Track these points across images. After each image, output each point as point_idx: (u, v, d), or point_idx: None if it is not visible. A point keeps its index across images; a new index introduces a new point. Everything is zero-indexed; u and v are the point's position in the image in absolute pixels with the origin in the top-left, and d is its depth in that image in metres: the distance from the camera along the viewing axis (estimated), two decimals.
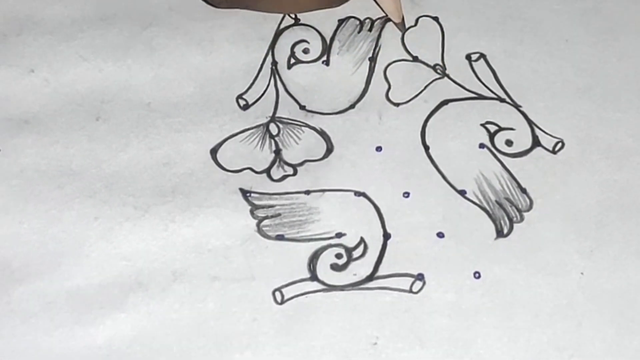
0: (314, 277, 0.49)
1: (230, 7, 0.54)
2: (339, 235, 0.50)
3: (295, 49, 0.56)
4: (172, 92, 0.54)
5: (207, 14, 0.56)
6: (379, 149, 0.53)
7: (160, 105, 0.54)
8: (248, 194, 0.51)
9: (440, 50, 0.56)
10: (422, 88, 0.55)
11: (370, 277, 0.49)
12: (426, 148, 0.53)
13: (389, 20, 0.57)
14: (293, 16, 0.57)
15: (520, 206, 0.51)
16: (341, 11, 0.57)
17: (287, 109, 0.54)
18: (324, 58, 0.56)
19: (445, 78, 0.55)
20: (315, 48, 0.56)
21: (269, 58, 0.56)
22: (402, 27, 0.56)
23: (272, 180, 0.52)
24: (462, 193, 0.52)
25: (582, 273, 0.49)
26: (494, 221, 0.51)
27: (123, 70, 0.55)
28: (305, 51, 0.56)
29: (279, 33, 0.56)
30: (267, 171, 0.52)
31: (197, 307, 0.48)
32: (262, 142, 0.53)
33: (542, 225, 0.51)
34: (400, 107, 0.54)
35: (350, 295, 0.49)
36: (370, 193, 0.51)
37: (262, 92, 0.54)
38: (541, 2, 0.58)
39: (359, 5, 0.57)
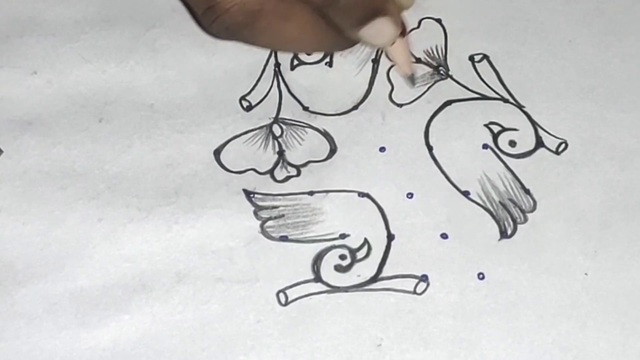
0: (317, 279, 0.49)
1: (228, 39, 0.53)
2: (343, 236, 0.50)
3: None
4: (175, 94, 0.54)
5: None
6: (382, 149, 0.53)
7: (163, 107, 0.54)
8: (251, 195, 0.51)
9: (444, 52, 0.56)
10: (426, 89, 0.55)
11: (374, 279, 0.49)
12: (430, 148, 0.53)
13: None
14: None
15: (523, 207, 0.51)
16: None
17: (290, 110, 0.54)
18: (327, 59, 0.56)
19: (449, 79, 0.55)
20: None
21: (272, 59, 0.55)
22: (412, 82, 0.55)
23: (276, 181, 0.52)
24: (466, 194, 0.52)
25: (586, 274, 0.49)
26: (497, 222, 0.51)
27: (126, 72, 0.55)
28: (309, 53, 0.56)
29: None
30: (271, 172, 0.52)
31: (201, 308, 0.48)
32: (265, 143, 0.53)
33: (546, 226, 0.51)
34: (404, 107, 0.54)
35: (354, 296, 0.48)
36: (374, 194, 0.51)
37: (265, 94, 0.54)
38: (544, 3, 0.58)
39: None
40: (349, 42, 0.53)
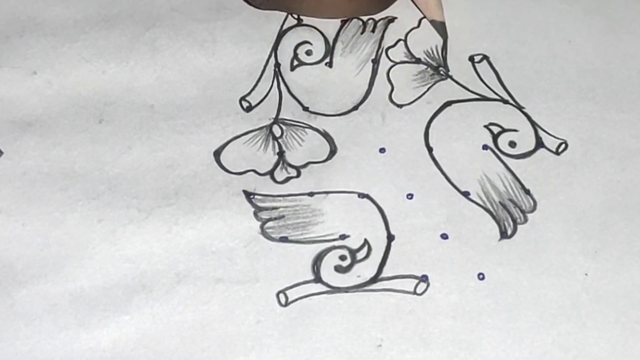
0: (318, 279, 0.49)
1: (271, 8, 0.54)
2: (343, 237, 0.50)
3: (298, 51, 0.56)
4: (175, 94, 0.54)
5: (209, 14, 0.56)
6: (382, 150, 0.53)
7: (163, 107, 0.54)
8: (251, 196, 0.51)
9: (444, 52, 0.56)
10: (426, 89, 0.55)
11: (374, 279, 0.49)
12: (429, 149, 0.53)
13: (392, 21, 0.56)
14: (296, 16, 0.57)
15: (523, 207, 0.51)
16: None
17: (290, 111, 0.54)
18: (327, 60, 0.56)
19: (449, 79, 0.55)
20: (318, 50, 0.56)
21: (272, 60, 0.55)
22: (443, 29, 0.55)
23: (276, 182, 0.52)
24: (466, 194, 0.51)
25: (586, 274, 0.49)
26: (497, 222, 0.51)
27: (126, 72, 0.55)
28: (308, 53, 0.56)
29: (281, 34, 0.56)
30: (271, 173, 0.52)
31: (201, 309, 0.48)
32: (265, 144, 0.53)
33: (546, 227, 0.51)
34: (404, 108, 0.54)
35: (355, 297, 0.48)
36: (374, 194, 0.51)
37: (265, 94, 0.54)
38: (544, 3, 0.58)
39: None
40: (384, 3, 0.55)
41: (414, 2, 0.56)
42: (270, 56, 0.55)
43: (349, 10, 0.55)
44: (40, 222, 0.50)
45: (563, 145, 0.53)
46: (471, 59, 0.56)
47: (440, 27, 0.55)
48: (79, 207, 0.51)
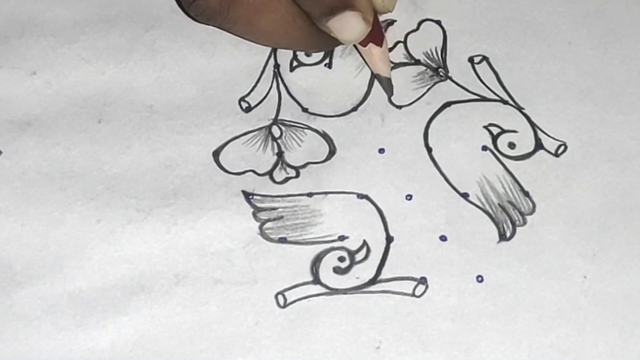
0: (316, 281, 0.49)
1: (205, 23, 0.54)
2: (342, 238, 0.50)
3: (298, 52, 0.56)
4: (175, 95, 0.54)
5: None
6: (381, 151, 0.53)
7: (162, 108, 0.54)
8: (250, 197, 0.51)
9: (443, 53, 0.56)
10: (425, 90, 0.55)
11: (373, 281, 0.49)
12: (429, 150, 0.53)
13: (391, 24, 0.56)
14: None
15: (522, 209, 0.51)
16: None
17: (289, 112, 0.54)
18: (327, 61, 0.56)
19: (448, 80, 0.55)
20: None
21: (272, 61, 0.55)
22: (389, 85, 0.54)
23: (275, 182, 0.52)
24: (465, 196, 0.51)
25: (585, 276, 0.49)
26: (496, 224, 0.51)
27: (125, 73, 0.55)
28: (308, 54, 0.56)
29: None
30: (270, 173, 0.52)
31: (199, 310, 0.48)
32: (264, 145, 0.53)
33: (545, 229, 0.50)
34: (403, 109, 0.54)
35: (353, 298, 0.48)
36: (373, 195, 0.51)
37: (264, 95, 0.54)
38: (544, 4, 0.58)
39: None
40: (326, 43, 0.53)
41: (359, 54, 0.55)
42: (269, 57, 0.55)
43: (284, 42, 0.53)
44: (39, 222, 0.50)
45: (562, 147, 0.53)
46: (471, 60, 0.56)
47: (386, 83, 0.54)
48: (77, 207, 0.51)
